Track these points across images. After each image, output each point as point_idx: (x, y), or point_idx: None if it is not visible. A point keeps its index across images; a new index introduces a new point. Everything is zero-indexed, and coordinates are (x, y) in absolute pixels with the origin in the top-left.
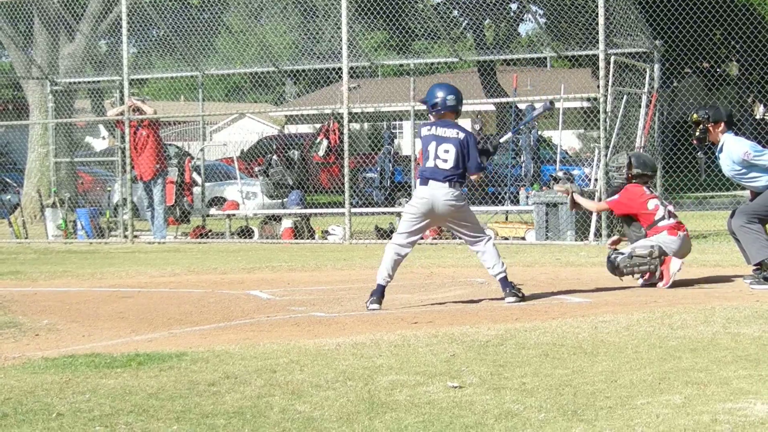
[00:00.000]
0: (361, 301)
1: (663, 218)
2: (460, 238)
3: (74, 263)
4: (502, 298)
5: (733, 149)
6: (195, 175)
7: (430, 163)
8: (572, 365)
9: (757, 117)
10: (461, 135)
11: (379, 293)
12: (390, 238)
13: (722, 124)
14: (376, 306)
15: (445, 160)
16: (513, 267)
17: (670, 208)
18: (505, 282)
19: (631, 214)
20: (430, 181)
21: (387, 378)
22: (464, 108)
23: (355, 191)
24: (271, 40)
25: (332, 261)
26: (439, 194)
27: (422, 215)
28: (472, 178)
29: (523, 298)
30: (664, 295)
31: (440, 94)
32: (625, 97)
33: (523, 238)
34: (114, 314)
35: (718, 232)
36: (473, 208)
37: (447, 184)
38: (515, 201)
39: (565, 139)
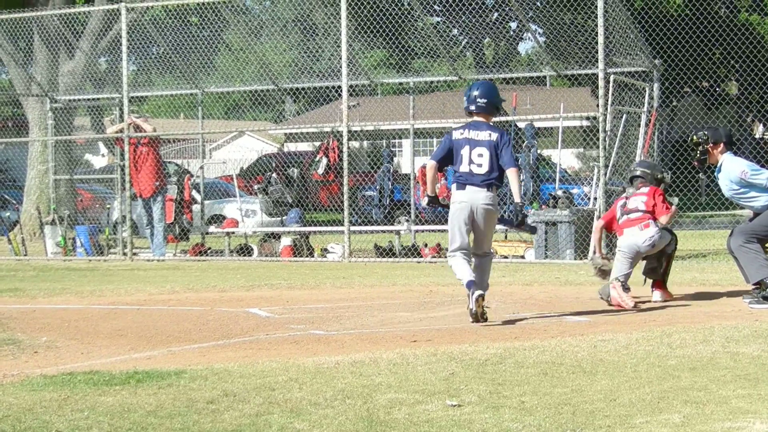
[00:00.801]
0: (361, 319)
1: (621, 216)
2: (472, 244)
3: (73, 280)
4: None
5: (730, 169)
6: (194, 192)
7: (464, 168)
8: (571, 384)
9: (757, 136)
10: (493, 136)
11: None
12: (390, 257)
13: (722, 145)
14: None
15: (480, 165)
16: (512, 286)
17: (630, 202)
18: (477, 299)
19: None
20: (468, 186)
21: (386, 396)
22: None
23: (354, 209)
24: (270, 58)
25: (331, 279)
26: (478, 198)
27: (465, 220)
28: (509, 173)
29: (477, 320)
30: (663, 314)
31: (473, 94)
32: (624, 116)
33: (523, 257)
34: (113, 332)
35: (718, 251)
36: None
37: (485, 188)
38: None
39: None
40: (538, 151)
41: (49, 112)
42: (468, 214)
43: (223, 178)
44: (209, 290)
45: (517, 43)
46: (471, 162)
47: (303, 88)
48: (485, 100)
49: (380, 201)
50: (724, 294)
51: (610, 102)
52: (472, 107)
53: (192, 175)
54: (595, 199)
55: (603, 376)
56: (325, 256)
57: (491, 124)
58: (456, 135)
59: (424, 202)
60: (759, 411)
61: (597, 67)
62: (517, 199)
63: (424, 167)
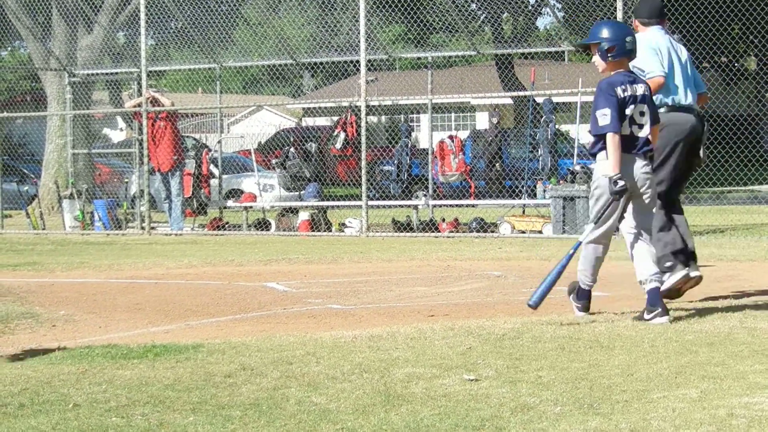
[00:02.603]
0: (379, 293)
1: None
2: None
3: (91, 254)
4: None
5: None
6: (212, 167)
7: (624, 130)
8: (588, 359)
9: None
10: (647, 89)
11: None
12: (407, 231)
13: None
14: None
15: (641, 126)
16: (530, 261)
17: None
18: (654, 296)
19: None
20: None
21: (403, 371)
22: (482, 101)
23: (372, 184)
24: (289, 33)
25: (349, 254)
26: (636, 167)
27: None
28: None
29: (662, 312)
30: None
31: (618, 34)
32: None
33: (540, 232)
34: (131, 305)
35: (735, 226)
36: (489, 201)
37: (643, 156)
38: (532, 194)
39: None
40: (557, 126)
41: (68, 87)
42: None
43: (241, 152)
44: (227, 264)
45: (536, 18)
46: (633, 122)
47: (321, 63)
48: (632, 38)
49: (398, 176)
50: (741, 269)
51: None
52: (618, 53)
53: (210, 150)
54: None
55: (620, 350)
56: (343, 231)
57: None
58: (619, 91)
59: (617, 186)
60: None
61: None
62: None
63: (442, 142)
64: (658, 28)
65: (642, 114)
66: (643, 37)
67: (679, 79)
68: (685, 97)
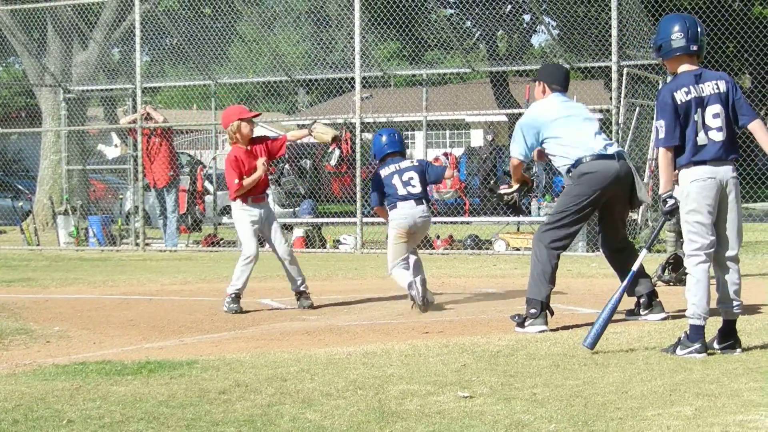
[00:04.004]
0: (373, 310)
1: None
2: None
3: (86, 270)
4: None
5: None
6: (207, 183)
7: (701, 139)
8: (583, 376)
9: None
10: (723, 85)
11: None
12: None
13: None
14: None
15: (719, 129)
16: (525, 278)
17: None
18: (733, 327)
19: None
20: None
21: (397, 387)
22: (476, 119)
23: (366, 201)
24: (283, 49)
25: (344, 270)
26: (723, 171)
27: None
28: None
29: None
30: (674, 306)
31: (663, 29)
32: (637, 109)
33: None
34: (125, 322)
35: None
36: (484, 218)
37: (730, 163)
38: (527, 212)
39: None
40: None
41: (62, 103)
42: (714, 196)
43: None
44: (221, 281)
45: (531, 36)
46: (707, 128)
47: (316, 80)
48: (703, 39)
49: None
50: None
51: (623, 95)
52: (694, 47)
53: (205, 166)
54: None
55: (615, 368)
56: (338, 248)
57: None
58: (679, 96)
59: (666, 207)
60: None
61: (610, 59)
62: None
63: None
64: (556, 95)
65: (716, 116)
66: (533, 108)
67: (585, 134)
68: (595, 145)
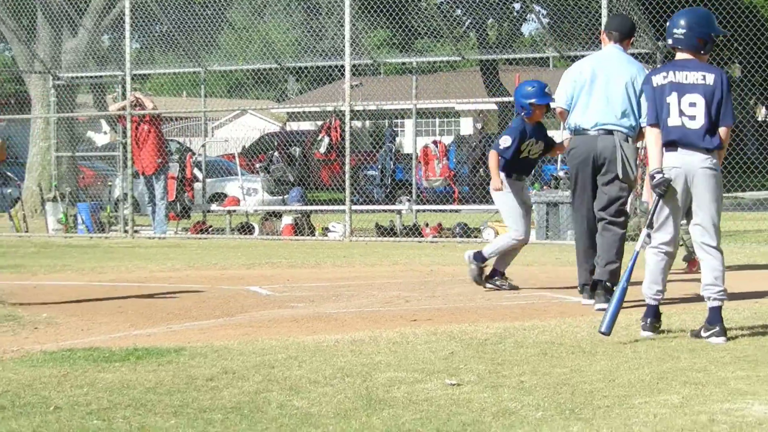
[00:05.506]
0: (361, 297)
1: None
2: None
3: (74, 257)
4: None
5: None
6: (196, 170)
7: (672, 121)
8: (570, 364)
9: (760, 119)
10: (712, 79)
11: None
12: (391, 236)
13: None
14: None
15: (694, 117)
16: (513, 266)
17: None
18: (715, 314)
19: None
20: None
21: (385, 375)
22: (466, 107)
23: (355, 189)
24: (273, 37)
25: (332, 258)
26: (692, 160)
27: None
28: (724, 131)
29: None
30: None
31: (670, 23)
32: None
33: None
34: (113, 309)
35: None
36: (473, 206)
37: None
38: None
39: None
40: None
41: (52, 89)
42: (682, 186)
43: (225, 156)
44: (210, 268)
45: (521, 24)
46: (680, 112)
47: (306, 67)
48: (684, 30)
49: (382, 180)
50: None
51: None
52: (669, 40)
53: (194, 153)
54: None
55: (602, 356)
56: (326, 235)
57: (704, 63)
58: (656, 79)
59: (654, 181)
60: (758, 392)
61: (600, 48)
62: None
63: (426, 147)
64: (612, 45)
65: (692, 105)
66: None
67: (583, 104)
68: (587, 121)
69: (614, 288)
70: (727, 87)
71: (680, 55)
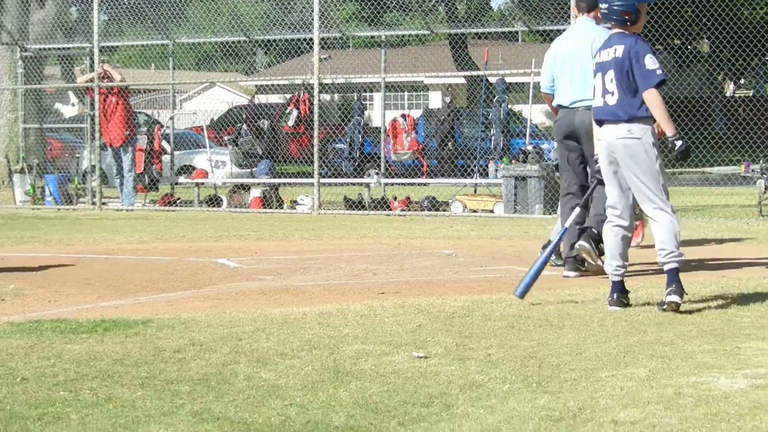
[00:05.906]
0: (329, 270)
1: None
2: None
3: (42, 229)
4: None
5: None
6: (164, 143)
7: (596, 102)
8: (538, 337)
9: (728, 94)
10: (621, 51)
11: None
12: (359, 209)
13: None
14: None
15: (612, 93)
16: (481, 239)
17: None
18: (672, 276)
19: None
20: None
21: (352, 347)
22: (435, 81)
23: (324, 162)
24: (242, 10)
25: (300, 231)
26: (611, 132)
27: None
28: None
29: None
30: (631, 270)
31: None
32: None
33: (492, 211)
34: (80, 280)
35: (686, 207)
36: (441, 180)
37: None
38: (484, 174)
39: (535, 114)
40: (509, 106)
41: (19, 61)
42: (606, 156)
43: (194, 128)
44: (178, 240)
45: None
46: (604, 91)
47: (274, 40)
48: (606, 5)
49: (350, 154)
50: (691, 250)
51: None
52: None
53: (162, 126)
54: None
55: (569, 330)
56: (295, 208)
57: (626, 33)
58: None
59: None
60: (724, 366)
61: (569, 23)
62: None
63: (395, 120)
64: (582, 17)
65: (611, 81)
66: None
67: (563, 84)
68: (566, 99)
69: (586, 258)
70: (636, 52)
71: (612, 30)
